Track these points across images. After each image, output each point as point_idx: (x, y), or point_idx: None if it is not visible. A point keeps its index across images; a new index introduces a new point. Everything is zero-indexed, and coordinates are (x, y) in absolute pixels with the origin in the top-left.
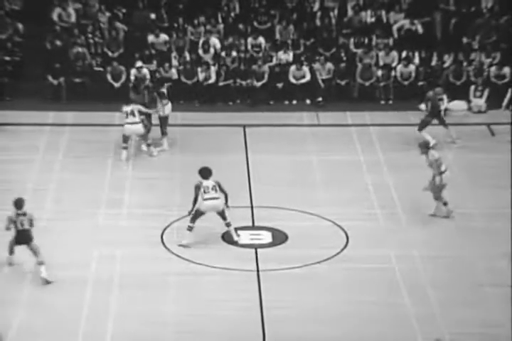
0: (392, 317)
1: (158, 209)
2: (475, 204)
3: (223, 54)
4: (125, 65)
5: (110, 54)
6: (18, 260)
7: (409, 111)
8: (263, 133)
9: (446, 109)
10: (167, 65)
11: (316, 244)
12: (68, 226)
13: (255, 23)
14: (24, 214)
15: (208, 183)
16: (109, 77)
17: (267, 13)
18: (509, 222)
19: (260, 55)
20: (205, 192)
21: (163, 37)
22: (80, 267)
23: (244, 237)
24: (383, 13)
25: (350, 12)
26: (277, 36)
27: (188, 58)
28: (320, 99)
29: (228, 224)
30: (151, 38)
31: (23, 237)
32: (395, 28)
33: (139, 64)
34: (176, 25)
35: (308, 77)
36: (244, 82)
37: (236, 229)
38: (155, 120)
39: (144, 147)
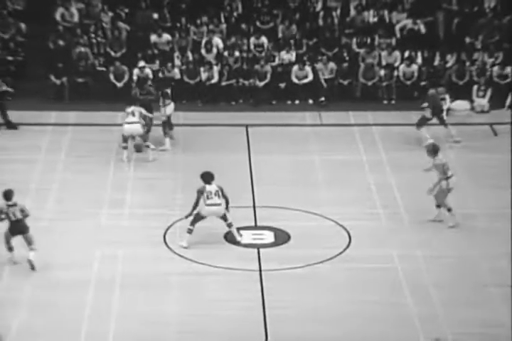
0: (394, 317)
1: (161, 209)
2: (477, 205)
3: (226, 54)
4: (128, 64)
5: (113, 54)
6: (19, 260)
7: (411, 110)
8: (265, 133)
9: (448, 109)
10: (170, 64)
11: (319, 244)
12: (70, 226)
13: (258, 23)
14: (15, 205)
15: (211, 188)
16: (111, 76)
17: (270, 12)
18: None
19: (263, 54)
20: (207, 197)
21: (166, 37)
22: (82, 267)
23: (247, 237)
24: (386, 12)
25: (352, 12)
26: (280, 36)
27: (190, 58)
28: (322, 98)
29: (230, 225)
30: (153, 37)
31: (17, 228)
32: (397, 27)
33: (141, 64)
34: (178, 25)
35: (310, 77)
36: (246, 82)
37: (238, 229)
38: (156, 120)
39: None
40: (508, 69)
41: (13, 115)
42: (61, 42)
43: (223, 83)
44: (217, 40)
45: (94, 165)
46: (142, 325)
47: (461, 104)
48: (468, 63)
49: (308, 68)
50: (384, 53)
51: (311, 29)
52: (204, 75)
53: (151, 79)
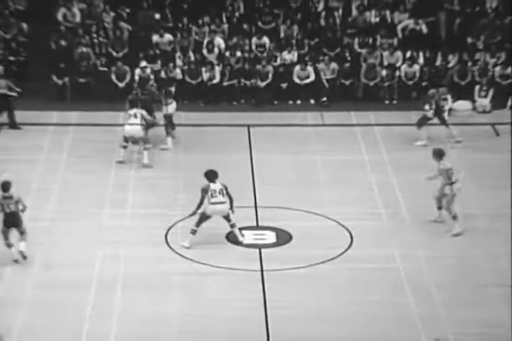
0: (396, 317)
1: (162, 209)
2: (479, 205)
3: (228, 54)
4: (129, 64)
5: (115, 54)
6: (20, 260)
7: (413, 111)
8: (267, 133)
9: (450, 109)
10: (171, 64)
11: (320, 244)
12: (72, 226)
13: (260, 23)
14: (11, 197)
15: (216, 187)
16: (113, 77)
17: (272, 13)
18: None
19: (264, 55)
20: (212, 196)
21: (168, 37)
22: (84, 267)
23: (248, 237)
24: (388, 13)
25: (354, 12)
26: (282, 36)
27: (192, 58)
28: (324, 99)
29: (233, 225)
30: (155, 37)
31: (11, 220)
32: (399, 27)
33: (143, 64)
34: (180, 25)
35: (312, 77)
36: (248, 82)
37: (240, 230)
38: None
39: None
40: (509, 70)
41: (15, 115)
42: (63, 43)
43: (225, 83)
44: (218, 41)
45: (95, 165)
46: (143, 325)
47: (463, 104)
48: (470, 63)
49: (310, 68)
50: (386, 53)
51: (312, 29)
52: (206, 75)
53: (153, 79)
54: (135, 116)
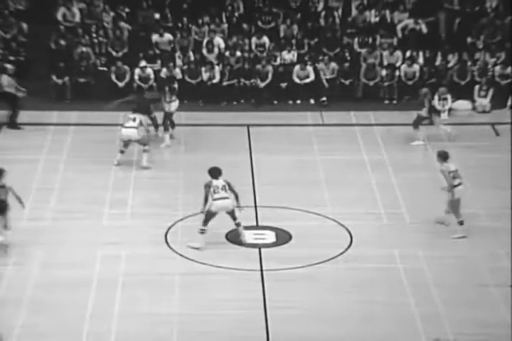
0: (396, 317)
1: (163, 209)
2: (480, 205)
3: (227, 54)
4: (129, 64)
5: (114, 54)
6: (19, 260)
7: (413, 110)
8: (267, 133)
9: (450, 109)
10: (171, 64)
11: (320, 244)
12: (72, 226)
13: (259, 23)
14: (3, 187)
15: (218, 183)
16: (113, 76)
17: (271, 12)
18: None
19: (264, 54)
20: (214, 192)
21: (168, 36)
22: (84, 267)
23: (248, 237)
24: (387, 12)
25: (354, 12)
26: (281, 36)
27: (192, 58)
28: (324, 98)
29: (238, 224)
30: (155, 37)
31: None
32: (399, 27)
33: (143, 63)
34: (180, 24)
35: (312, 77)
36: (248, 82)
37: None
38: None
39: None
40: (509, 69)
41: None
42: (63, 42)
43: (225, 83)
44: (218, 40)
45: (95, 165)
46: (144, 325)
47: (463, 104)
48: (469, 63)
49: (309, 68)
50: (385, 53)
51: (312, 29)
52: (205, 75)
53: (153, 79)
54: (134, 120)
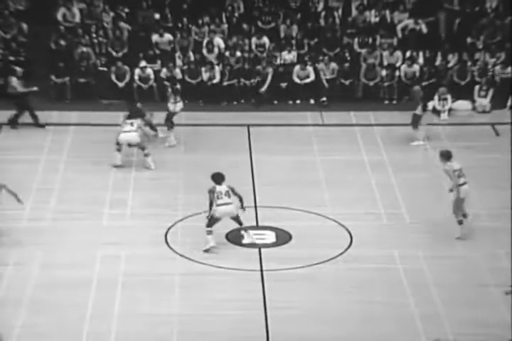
0: (396, 317)
1: (163, 209)
2: (480, 205)
3: (227, 54)
4: (129, 64)
5: (114, 54)
6: (19, 260)
7: (413, 111)
8: (267, 133)
9: (450, 109)
10: (171, 64)
11: (320, 244)
12: (72, 226)
13: (259, 23)
14: None
15: (221, 188)
16: (113, 76)
17: (271, 12)
18: None
19: (264, 54)
20: (218, 197)
21: (168, 37)
22: (84, 267)
23: (248, 237)
24: (387, 12)
25: (354, 12)
26: (281, 36)
27: (192, 58)
28: (324, 98)
29: (245, 229)
30: (155, 37)
31: None
32: (399, 27)
33: (143, 64)
34: (180, 25)
35: (312, 77)
36: (248, 82)
37: (246, 230)
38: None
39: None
40: (509, 69)
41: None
42: (63, 43)
43: (225, 83)
44: (218, 40)
45: (96, 165)
46: (144, 325)
47: (463, 104)
48: (469, 63)
49: (309, 68)
50: (385, 53)
51: (312, 29)
52: (205, 75)
53: (153, 79)
54: (131, 124)
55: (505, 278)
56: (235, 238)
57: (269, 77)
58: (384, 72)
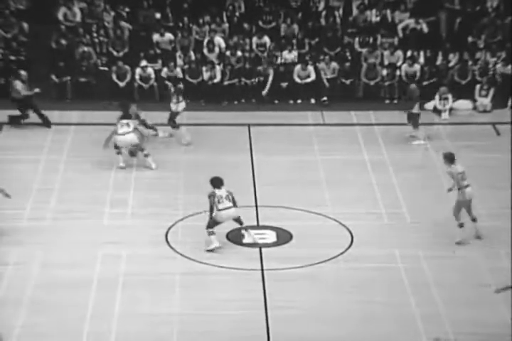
0: (396, 317)
1: (163, 209)
2: (481, 205)
3: (228, 53)
4: (130, 64)
5: (115, 53)
6: (20, 260)
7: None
8: (268, 133)
9: (451, 109)
10: (172, 64)
11: (321, 244)
12: (72, 226)
13: (260, 23)
14: None
15: (221, 193)
16: (114, 76)
17: (272, 12)
18: None
19: (265, 54)
20: (219, 202)
21: (168, 36)
22: (85, 267)
23: (249, 236)
24: (388, 12)
25: (355, 11)
26: (282, 35)
27: (193, 57)
28: (325, 98)
29: (246, 228)
30: (156, 37)
31: None
32: (400, 27)
33: (143, 63)
34: (181, 24)
35: (313, 77)
36: (249, 81)
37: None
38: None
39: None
40: (509, 67)
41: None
42: (63, 42)
43: (225, 83)
44: (219, 40)
45: (96, 164)
46: (144, 325)
47: (464, 104)
48: (470, 63)
49: (310, 68)
50: (386, 53)
51: (313, 28)
52: (206, 75)
53: (154, 79)
54: (127, 125)
55: (505, 278)
56: (235, 237)
57: (270, 79)
58: (385, 72)
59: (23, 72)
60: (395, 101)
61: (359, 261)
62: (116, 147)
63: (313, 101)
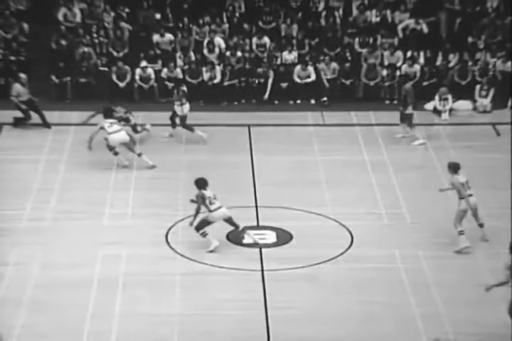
0: (396, 317)
1: (163, 209)
2: (481, 205)
3: (228, 54)
4: (130, 64)
5: (115, 54)
6: (20, 260)
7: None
8: (268, 133)
9: (451, 109)
10: (172, 64)
11: (321, 244)
12: (73, 226)
13: (260, 23)
14: None
15: (210, 193)
16: (114, 76)
17: (272, 12)
18: None
19: (265, 54)
20: (210, 203)
21: (168, 36)
22: (85, 267)
23: (249, 237)
24: (388, 12)
25: (355, 11)
26: (282, 35)
27: (192, 58)
28: (325, 98)
29: (238, 227)
30: (156, 37)
31: None
32: (400, 27)
33: (143, 64)
34: (181, 24)
35: (313, 77)
36: (250, 80)
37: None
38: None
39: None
40: (509, 64)
41: (16, 114)
42: (63, 43)
43: (225, 83)
44: (219, 40)
45: (96, 165)
46: (145, 325)
47: (464, 104)
48: (470, 63)
49: (310, 68)
50: (386, 53)
51: (313, 29)
52: (206, 75)
53: (154, 79)
54: (116, 123)
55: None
56: (235, 238)
57: (270, 81)
58: (385, 72)
59: (22, 75)
60: (395, 102)
61: (359, 262)
62: (110, 148)
63: (313, 101)
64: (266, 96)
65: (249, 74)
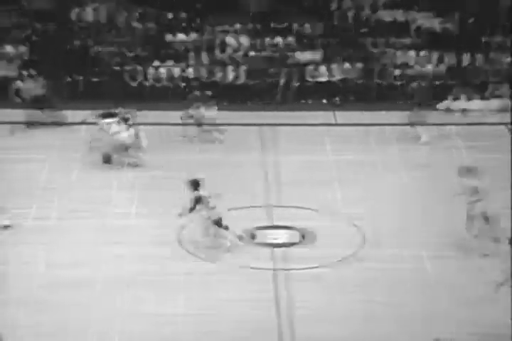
0: (398, 317)
1: (168, 208)
2: (489, 205)
3: (241, 53)
4: (142, 64)
5: (128, 53)
6: (24, 259)
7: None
8: (280, 133)
9: (464, 109)
10: (184, 64)
11: (331, 244)
12: (77, 226)
13: (273, 23)
14: None
15: (205, 193)
16: (126, 76)
17: (285, 12)
18: None
19: (278, 54)
20: (208, 202)
21: (181, 36)
22: (88, 266)
23: (261, 236)
24: (401, 12)
25: (368, 11)
26: (294, 36)
27: (205, 58)
28: (337, 98)
29: (227, 228)
30: (168, 37)
31: None
32: (413, 27)
33: (156, 63)
34: (193, 24)
35: (325, 77)
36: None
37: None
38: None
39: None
40: None
41: (26, 114)
42: (77, 42)
43: (238, 83)
44: (231, 40)
45: (100, 164)
46: (149, 325)
47: (477, 104)
48: (483, 63)
49: (323, 68)
50: (399, 53)
51: (325, 28)
52: (218, 75)
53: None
54: (118, 122)
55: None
56: (244, 237)
57: (283, 82)
58: (397, 72)
59: (33, 73)
60: (408, 102)
61: (365, 262)
62: (112, 149)
63: (325, 101)
64: (278, 96)
65: (261, 74)
